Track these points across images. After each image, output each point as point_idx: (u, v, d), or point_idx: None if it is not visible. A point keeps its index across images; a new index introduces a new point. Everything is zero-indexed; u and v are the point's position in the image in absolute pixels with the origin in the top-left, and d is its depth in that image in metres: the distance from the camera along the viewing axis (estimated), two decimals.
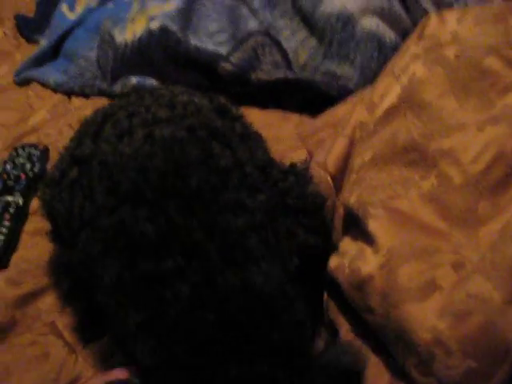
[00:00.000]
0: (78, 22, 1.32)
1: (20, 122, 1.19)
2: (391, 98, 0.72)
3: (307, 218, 0.70)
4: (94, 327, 0.77)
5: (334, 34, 1.02)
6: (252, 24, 1.09)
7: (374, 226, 0.61)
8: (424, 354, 0.52)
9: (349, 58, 1.01)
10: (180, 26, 1.09)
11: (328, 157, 0.82)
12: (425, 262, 0.55)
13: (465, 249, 0.55)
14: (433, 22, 0.80)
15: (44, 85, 1.28)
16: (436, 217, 0.59)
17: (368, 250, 0.60)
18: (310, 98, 1.07)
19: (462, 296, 0.51)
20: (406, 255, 0.56)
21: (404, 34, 1.01)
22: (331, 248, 0.70)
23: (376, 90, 0.81)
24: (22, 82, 1.31)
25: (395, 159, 0.66)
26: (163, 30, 1.09)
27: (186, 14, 1.11)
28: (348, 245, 0.66)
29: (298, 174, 0.72)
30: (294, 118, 1.06)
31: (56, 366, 0.75)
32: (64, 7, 1.38)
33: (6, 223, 0.93)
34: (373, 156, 0.69)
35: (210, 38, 1.10)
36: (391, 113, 0.71)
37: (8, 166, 1.03)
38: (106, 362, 0.74)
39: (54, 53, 1.35)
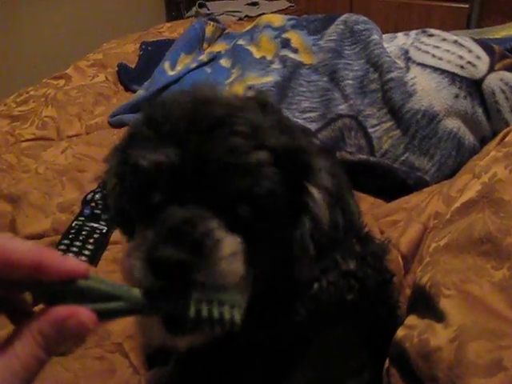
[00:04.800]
0: (176, 80, 1.44)
1: None
2: (471, 193, 0.78)
3: (376, 289, 0.75)
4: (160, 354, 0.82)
5: (418, 129, 1.09)
6: (342, 107, 1.18)
7: (446, 304, 0.66)
8: None
9: (429, 152, 1.08)
10: (275, 99, 1.18)
11: (401, 238, 0.88)
12: (493, 342, 0.59)
13: None
14: None
15: None
16: (505, 305, 0.63)
17: (437, 326, 0.65)
18: (385, 186, 1.13)
19: None
20: (476, 333, 0.60)
21: (482, 139, 1.08)
22: (396, 322, 0.75)
23: (454, 185, 0.88)
24: (116, 123, 1.42)
25: (470, 248, 0.71)
26: None
27: (283, 89, 1.21)
28: (415, 320, 0.71)
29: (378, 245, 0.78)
30: (369, 199, 1.13)
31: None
32: (166, 64, 1.50)
33: (89, 246, 1.01)
34: (448, 242, 0.75)
35: (301, 113, 1.18)
36: (470, 206, 0.77)
37: (97, 196, 1.11)
38: None
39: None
